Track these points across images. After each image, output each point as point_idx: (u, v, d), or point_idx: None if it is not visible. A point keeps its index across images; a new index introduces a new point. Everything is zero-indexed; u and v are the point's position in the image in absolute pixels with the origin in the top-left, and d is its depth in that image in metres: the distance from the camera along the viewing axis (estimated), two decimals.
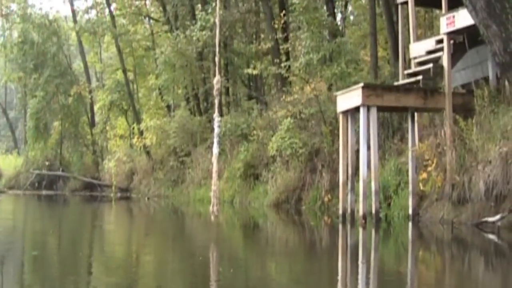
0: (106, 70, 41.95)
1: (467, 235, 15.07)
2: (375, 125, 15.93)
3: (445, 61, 16.51)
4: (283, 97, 23.25)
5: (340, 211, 16.96)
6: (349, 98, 16.40)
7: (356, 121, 17.08)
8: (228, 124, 27.01)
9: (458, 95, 16.86)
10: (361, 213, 15.88)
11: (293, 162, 23.22)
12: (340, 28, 26.80)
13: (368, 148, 15.93)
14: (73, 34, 43.59)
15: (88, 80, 42.01)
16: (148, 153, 34.11)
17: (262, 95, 31.13)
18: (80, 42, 41.64)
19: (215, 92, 12.32)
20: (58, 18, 44.04)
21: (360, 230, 16.08)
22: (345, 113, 16.97)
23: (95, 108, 41.90)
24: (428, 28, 28.09)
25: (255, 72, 23.20)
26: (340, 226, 17.05)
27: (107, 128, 42.41)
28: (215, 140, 12.46)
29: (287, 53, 26.64)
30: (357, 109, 16.36)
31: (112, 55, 42.83)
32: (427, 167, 16.07)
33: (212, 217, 11.86)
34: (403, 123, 20.94)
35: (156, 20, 39.24)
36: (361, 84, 16.02)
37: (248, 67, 30.90)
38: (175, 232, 18.05)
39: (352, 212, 16.82)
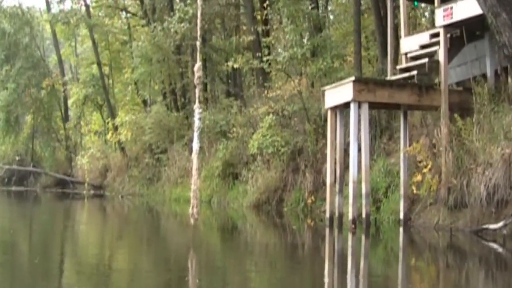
0: (81, 64, 40.11)
1: (465, 243, 13.83)
2: (366, 122, 14.61)
3: (441, 56, 15.24)
4: (266, 92, 21.85)
5: (327, 215, 15.61)
6: (338, 93, 15.07)
7: (345, 118, 15.75)
8: (207, 121, 25.59)
9: (454, 93, 15.60)
10: (350, 217, 14.55)
11: (274, 162, 21.87)
12: (324, 23, 25.32)
13: (359, 147, 14.60)
14: (48, 27, 41.85)
15: (62, 72, 40.19)
16: (122, 149, 32.51)
17: (241, 92, 29.70)
18: (54, 34, 39.90)
19: (196, 81, 10.87)
20: (32, 8, 42.25)
21: (349, 235, 14.76)
22: (334, 109, 15.64)
23: (69, 102, 40.16)
24: (412, 27, 26.81)
25: (236, 65, 21.75)
26: (327, 231, 15.70)
27: (82, 123, 40.76)
28: (196, 134, 10.93)
29: (269, 47, 25.23)
30: (346, 105, 15.04)
31: (87, 49, 41.06)
32: (423, 169, 14.77)
33: (192, 220, 10.40)
34: (392, 122, 19.72)
35: (133, 14, 37.57)
36: (352, 78, 14.69)
37: (227, 63, 29.51)
38: (150, 235, 16.84)
39: (340, 215, 15.49)
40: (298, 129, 22.06)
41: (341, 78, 20.61)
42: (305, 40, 21.41)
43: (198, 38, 10.90)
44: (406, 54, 17.43)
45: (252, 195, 21.88)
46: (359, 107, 14.51)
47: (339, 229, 15.38)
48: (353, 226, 14.46)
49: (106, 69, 37.41)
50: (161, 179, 28.91)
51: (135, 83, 33.27)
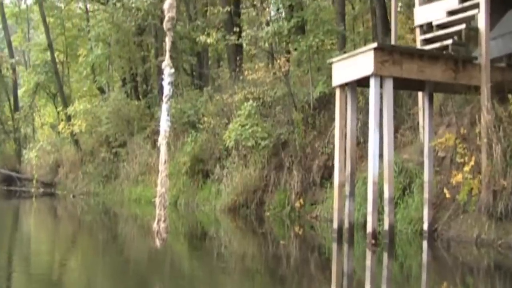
0: (34, 50, 35.35)
1: None
2: (390, 104, 10.75)
3: (481, 22, 11.50)
4: (246, 73, 17.84)
5: (335, 225, 11.65)
6: (352, 65, 11.15)
7: (357, 98, 11.90)
8: (172, 110, 21.57)
9: (496, 70, 11.84)
10: (369, 229, 10.65)
11: (253, 157, 17.94)
12: None
13: (380, 136, 10.75)
14: None
15: (11, 55, 35.25)
16: (76, 142, 28.05)
17: (208, 81, 25.58)
18: (2, 14, 35.17)
19: (166, 24, 6.49)
20: None
21: (368, 253, 10.87)
22: (343, 87, 11.71)
23: (20, 92, 35.49)
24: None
25: (209, 40, 17.63)
26: (335, 246, 11.76)
27: (34, 115, 36.15)
28: (164, 107, 6.35)
29: (240, 26, 21.05)
30: (361, 81, 11.17)
31: (40, 34, 36.45)
32: (464, 167, 10.98)
33: (157, 242, 5.94)
34: (398, 110, 15.93)
35: None
36: (374, 45, 10.78)
37: (193, 53, 25.52)
38: (106, 246, 13.41)
39: (351, 226, 11.58)
40: (282, 119, 18.16)
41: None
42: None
43: None
44: (421, 26, 13.72)
45: (227, 197, 17.92)
46: (381, 83, 10.63)
47: (349, 244, 11.49)
48: (373, 241, 10.56)
49: (61, 56, 33.01)
50: (119, 177, 24.63)
51: (92, 68, 28.78)
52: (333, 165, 16.55)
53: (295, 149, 17.05)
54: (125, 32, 25.09)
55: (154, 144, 23.19)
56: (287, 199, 16.79)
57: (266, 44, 17.68)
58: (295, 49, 17.24)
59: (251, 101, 17.52)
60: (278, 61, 16.77)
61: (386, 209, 10.71)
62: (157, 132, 25.13)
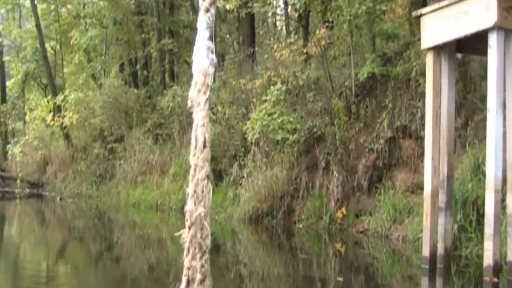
0: (24, 37, 31.66)
1: None
2: None
3: None
4: (275, 47, 14.15)
5: (426, 251, 7.88)
6: (455, 17, 7.43)
7: (456, 65, 8.21)
8: (178, 98, 18.02)
9: None
10: (488, 260, 6.90)
11: (278, 154, 14.29)
12: None
13: (504, 117, 7.06)
14: None
15: None
16: (66, 136, 24.29)
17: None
18: None
19: None
20: None
21: None
22: (438, 51, 7.97)
23: (9, 84, 31.74)
24: None
25: (229, 6, 13.98)
26: (425, 281, 7.98)
27: (26, 108, 32.44)
28: (203, 19, 1.92)
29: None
30: (465, 42, 7.46)
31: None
32: None
33: None
34: (469, 96, 12.24)
35: None
36: None
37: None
38: (98, 258, 11.36)
39: (446, 252, 7.85)
40: (315, 108, 14.46)
41: (387, 33, 13.31)
42: None
43: None
44: None
45: (247, 203, 14.28)
46: (505, 41, 6.92)
47: (444, 278, 7.75)
48: (495, 278, 6.82)
49: (53, 44, 29.36)
50: (115, 177, 20.99)
51: (86, 53, 25.08)
52: (384, 164, 13.07)
53: (334, 145, 13.40)
54: (123, 11, 21.49)
55: (156, 139, 19.67)
56: (324, 207, 13.18)
57: (300, 11, 13.96)
58: (332, 21, 13.55)
59: (279, 84, 13.82)
60: (317, 31, 13.03)
61: (511, 230, 6.98)
62: (159, 125, 21.78)
